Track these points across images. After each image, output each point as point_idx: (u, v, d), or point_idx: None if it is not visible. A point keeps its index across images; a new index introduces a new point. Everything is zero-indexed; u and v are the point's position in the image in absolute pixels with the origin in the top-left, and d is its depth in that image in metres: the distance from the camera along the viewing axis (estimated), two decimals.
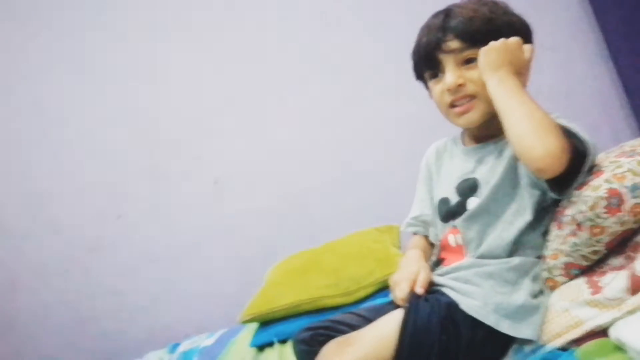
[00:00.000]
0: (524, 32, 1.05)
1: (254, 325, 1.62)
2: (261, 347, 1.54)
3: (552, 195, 0.94)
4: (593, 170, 0.91)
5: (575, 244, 0.89)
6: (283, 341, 1.49)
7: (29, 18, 2.27)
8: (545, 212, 0.99)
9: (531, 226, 0.99)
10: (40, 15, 2.27)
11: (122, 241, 2.30)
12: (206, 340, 1.79)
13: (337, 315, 1.09)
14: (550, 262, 0.96)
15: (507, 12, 1.06)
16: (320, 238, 1.90)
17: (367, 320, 1.01)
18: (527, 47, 1.00)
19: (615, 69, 2.09)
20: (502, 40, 0.97)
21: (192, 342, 1.84)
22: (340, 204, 2.23)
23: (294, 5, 2.23)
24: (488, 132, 1.06)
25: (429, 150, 1.26)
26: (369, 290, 1.54)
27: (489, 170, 1.04)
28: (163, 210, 2.29)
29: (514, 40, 0.98)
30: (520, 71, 0.98)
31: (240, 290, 1.83)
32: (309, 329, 1.04)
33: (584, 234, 0.87)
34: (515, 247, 1.00)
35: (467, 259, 1.04)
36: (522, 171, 0.99)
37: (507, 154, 1.02)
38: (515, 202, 1.01)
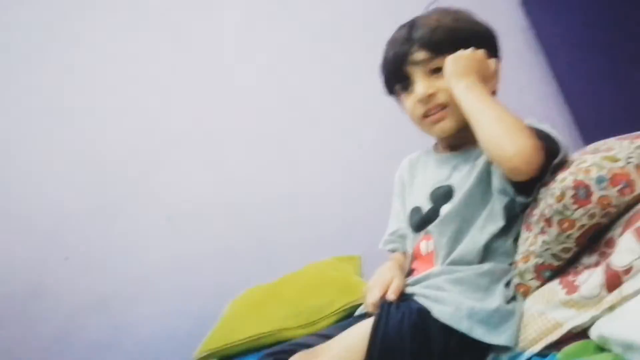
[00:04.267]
0: (489, 41, 1.06)
1: None
2: None
3: (519, 199, 0.92)
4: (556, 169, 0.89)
5: (545, 243, 0.86)
6: None
7: None
8: (516, 219, 0.97)
9: (503, 232, 0.97)
10: None
11: (69, 284, 2.15)
12: None
13: (299, 339, 1.02)
14: (521, 266, 0.92)
15: (470, 20, 1.07)
16: (279, 272, 1.83)
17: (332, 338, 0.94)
18: (491, 61, 1.01)
19: (563, 97, 2.15)
20: (469, 49, 0.98)
21: None
22: (298, 236, 2.16)
23: (246, 35, 2.22)
24: (463, 140, 1.05)
25: (402, 163, 1.24)
26: (331, 319, 1.46)
27: (463, 177, 1.02)
28: (114, 250, 2.16)
29: (480, 52, 0.99)
30: (487, 80, 0.99)
31: (196, 329, 1.72)
32: (269, 354, 0.96)
33: (553, 230, 0.83)
34: (486, 254, 0.97)
35: (437, 267, 1.00)
36: (494, 176, 0.97)
37: (481, 160, 1.00)
38: (487, 208, 0.98)
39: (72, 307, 2.14)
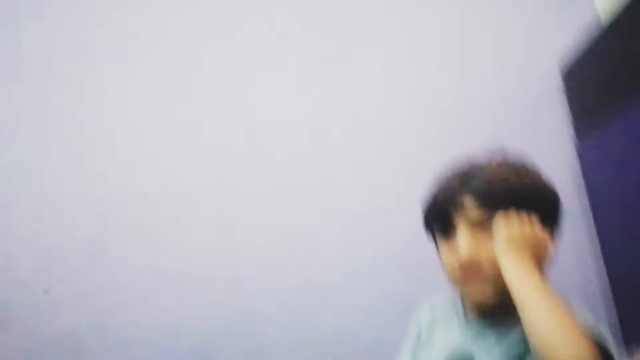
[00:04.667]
0: (553, 210, 0.92)
1: None
2: None
3: None
4: None
5: None
6: None
7: None
8: None
9: None
10: None
11: (42, 319, 2.02)
12: None
13: None
14: None
15: (537, 180, 0.92)
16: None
17: None
18: (550, 242, 0.88)
19: (604, 259, 1.96)
20: (527, 225, 0.85)
21: None
22: (287, 321, 1.99)
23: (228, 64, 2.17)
24: (498, 307, 0.89)
25: (423, 309, 1.08)
26: None
27: (487, 352, 0.87)
28: (97, 293, 2.03)
29: (541, 232, 0.85)
30: (541, 260, 0.85)
31: None
32: None
33: None
34: None
35: None
36: None
37: (513, 337, 0.86)
38: None
39: (39, 346, 2.00)
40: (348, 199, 2.09)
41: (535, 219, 0.85)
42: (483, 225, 0.88)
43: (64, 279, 2.03)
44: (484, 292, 0.87)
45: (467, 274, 0.88)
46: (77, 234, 2.05)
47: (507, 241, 0.83)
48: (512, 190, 0.87)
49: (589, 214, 2.01)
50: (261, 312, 2.01)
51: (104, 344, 1.98)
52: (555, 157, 2.07)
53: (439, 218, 0.93)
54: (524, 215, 0.85)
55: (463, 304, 1.00)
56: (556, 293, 0.77)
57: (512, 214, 0.85)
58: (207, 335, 2.00)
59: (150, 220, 2.06)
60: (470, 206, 0.88)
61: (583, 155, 2.01)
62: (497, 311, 0.89)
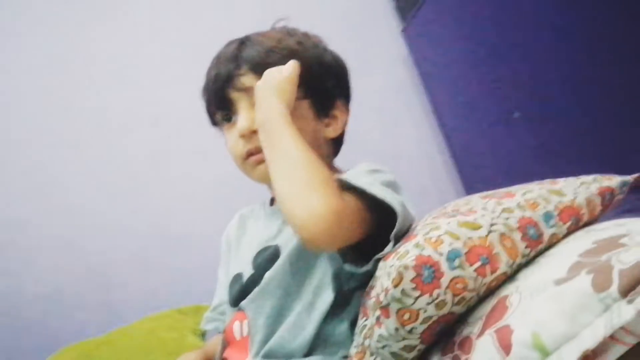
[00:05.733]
0: (338, 72, 0.87)
1: None
2: None
3: (347, 267, 0.69)
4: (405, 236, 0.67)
5: (381, 337, 0.62)
6: None
7: None
8: (352, 295, 0.75)
9: (335, 313, 0.74)
10: None
11: None
12: None
13: None
14: None
15: (318, 47, 0.86)
16: (118, 321, 1.52)
17: None
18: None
19: (441, 130, 2.02)
20: (291, 65, 0.77)
21: None
22: (143, 281, 1.85)
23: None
24: None
25: (232, 221, 1.00)
26: None
27: (292, 235, 0.78)
28: None
29: (296, 71, 0.77)
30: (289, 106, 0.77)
31: None
32: None
33: (391, 322, 0.60)
34: (314, 342, 0.73)
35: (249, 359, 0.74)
36: None
37: None
38: (316, 277, 0.75)
39: None
40: None
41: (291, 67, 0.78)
42: None
43: None
44: (263, 165, 0.79)
45: (250, 147, 0.82)
46: None
47: (257, 89, 0.77)
48: (293, 56, 0.80)
49: (425, 97, 2.04)
50: None
51: None
52: (384, 45, 2.06)
53: (218, 98, 0.85)
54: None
55: (271, 202, 0.95)
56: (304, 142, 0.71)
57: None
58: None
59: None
60: (246, 75, 0.81)
61: (410, 38, 2.01)
62: None
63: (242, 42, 0.85)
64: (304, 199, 0.63)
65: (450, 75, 1.88)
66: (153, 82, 1.93)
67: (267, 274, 0.78)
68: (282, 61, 0.79)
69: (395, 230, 0.67)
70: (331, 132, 0.86)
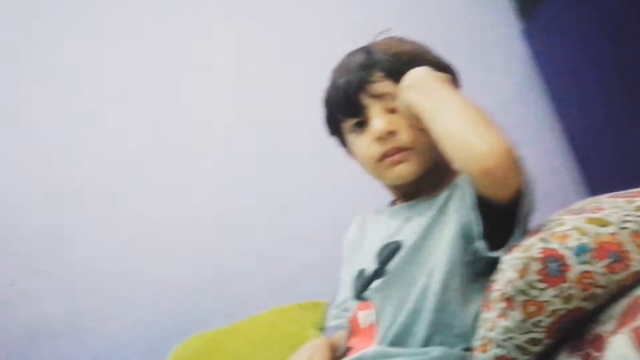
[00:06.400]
0: (452, 73, 0.88)
1: None
2: None
3: (480, 247, 0.72)
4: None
5: (506, 329, 0.63)
6: None
7: None
8: (479, 284, 0.75)
9: (458, 301, 0.76)
10: None
11: (13, 310, 1.93)
12: None
13: None
14: (479, 356, 0.69)
15: (430, 51, 0.90)
16: (244, 312, 1.61)
17: None
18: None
19: (565, 133, 1.94)
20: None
21: None
22: (265, 277, 1.95)
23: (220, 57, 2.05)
24: (420, 187, 0.86)
25: (352, 224, 1.04)
26: None
27: (414, 228, 0.82)
28: (61, 276, 1.95)
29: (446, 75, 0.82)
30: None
31: None
32: None
33: (516, 314, 0.61)
34: (435, 330, 0.75)
35: (374, 347, 0.78)
36: (454, 217, 0.78)
37: (437, 204, 0.82)
38: (437, 266, 0.77)
39: (15, 336, 1.93)
40: None
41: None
42: (392, 103, 0.84)
43: (26, 269, 1.95)
44: (405, 164, 0.84)
45: (385, 149, 0.84)
46: (32, 222, 1.96)
47: (408, 80, 0.80)
48: (418, 61, 0.83)
49: (547, 98, 1.97)
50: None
51: (79, 324, 1.93)
52: (504, 46, 2.01)
53: (349, 106, 0.87)
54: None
55: (391, 202, 0.97)
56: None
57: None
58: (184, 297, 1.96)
59: (102, 199, 1.97)
60: (380, 82, 0.84)
61: (530, 36, 1.95)
62: (422, 189, 0.87)
63: (368, 51, 0.88)
64: (483, 132, 0.68)
65: (574, 75, 1.80)
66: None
67: (392, 264, 0.81)
68: (410, 66, 0.82)
69: (523, 208, 0.69)
70: None
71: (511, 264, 0.61)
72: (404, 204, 0.90)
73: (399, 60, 0.84)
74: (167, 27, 2.05)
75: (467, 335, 0.74)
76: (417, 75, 0.79)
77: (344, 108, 0.88)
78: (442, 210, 0.81)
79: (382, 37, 0.92)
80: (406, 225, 0.85)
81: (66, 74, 2.01)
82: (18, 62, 2.01)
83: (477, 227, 0.73)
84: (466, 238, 0.75)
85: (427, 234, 0.80)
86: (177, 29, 2.06)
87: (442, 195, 0.83)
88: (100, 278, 1.95)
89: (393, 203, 0.97)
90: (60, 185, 1.97)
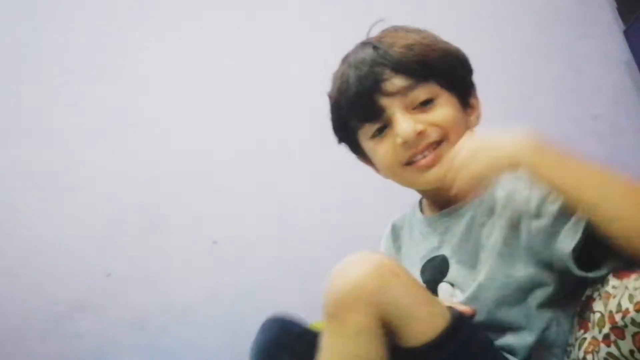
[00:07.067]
0: (465, 59, 0.84)
1: None
2: None
3: (575, 271, 0.67)
4: None
5: (611, 356, 0.60)
6: None
7: None
8: (573, 297, 0.72)
9: (557, 315, 0.72)
10: None
11: (109, 302, 2.06)
12: None
13: None
14: None
15: (437, 38, 0.83)
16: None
17: None
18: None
19: None
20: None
21: None
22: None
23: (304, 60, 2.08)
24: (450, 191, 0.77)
25: (385, 232, 1.00)
26: None
27: (459, 242, 0.80)
28: (155, 269, 2.06)
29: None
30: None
31: None
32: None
33: (625, 345, 0.58)
34: (539, 348, 0.72)
35: None
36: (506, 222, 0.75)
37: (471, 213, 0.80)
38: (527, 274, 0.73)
39: (112, 325, 2.06)
40: None
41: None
42: (424, 104, 0.78)
43: (123, 260, 2.07)
44: (437, 170, 0.77)
45: (413, 152, 0.77)
46: (130, 216, 2.08)
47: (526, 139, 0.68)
48: (430, 51, 0.78)
49: None
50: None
51: (170, 317, 2.03)
52: (604, 42, 1.91)
53: (363, 109, 0.79)
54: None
55: (420, 203, 0.92)
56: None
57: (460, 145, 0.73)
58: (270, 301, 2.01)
59: (199, 193, 2.07)
60: (395, 77, 0.76)
61: (631, 37, 1.84)
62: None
63: (375, 46, 0.79)
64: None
65: None
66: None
67: (445, 287, 0.79)
68: (423, 57, 0.77)
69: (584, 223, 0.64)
70: (475, 120, 0.84)
71: (629, 292, 0.58)
72: (438, 214, 0.86)
73: (410, 52, 0.77)
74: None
75: (563, 347, 0.71)
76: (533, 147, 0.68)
77: (360, 112, 0.80)
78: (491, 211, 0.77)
79: (377, 28, 0.85)
80: (445, 237, 0.82)
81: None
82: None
83: (568, 253, 0.67)
84: (557, 251, 0.69)
85: (504, 239, 0.75)
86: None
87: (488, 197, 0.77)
88: (191, 274, 2.05)
89: (420, 203, 0.93)
90: (158, 184, 2.09)
